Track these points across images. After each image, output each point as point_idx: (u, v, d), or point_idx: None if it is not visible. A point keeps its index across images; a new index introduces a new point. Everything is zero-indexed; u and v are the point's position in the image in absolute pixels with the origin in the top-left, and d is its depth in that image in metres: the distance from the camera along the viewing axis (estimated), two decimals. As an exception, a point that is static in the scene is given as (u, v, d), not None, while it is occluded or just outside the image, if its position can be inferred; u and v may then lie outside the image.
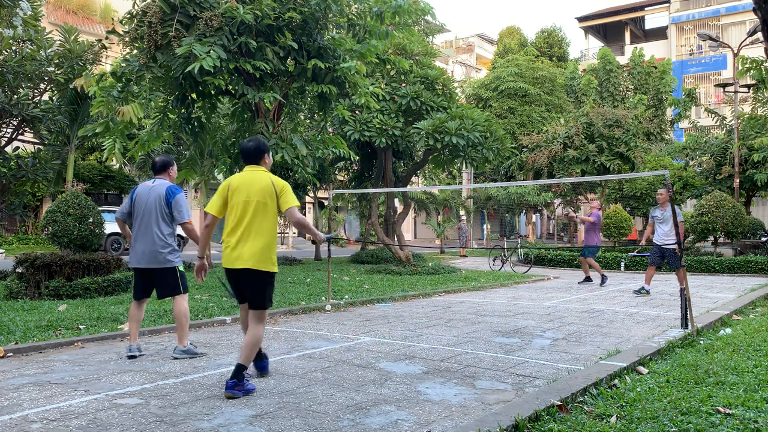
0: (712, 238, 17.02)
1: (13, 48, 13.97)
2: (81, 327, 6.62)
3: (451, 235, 38.98)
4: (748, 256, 15.29)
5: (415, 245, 24.08)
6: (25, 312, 7.49)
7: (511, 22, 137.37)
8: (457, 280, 13.08)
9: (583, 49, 47.50)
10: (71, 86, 13.86)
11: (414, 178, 30.92)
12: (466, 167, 18.59)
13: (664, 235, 10.01)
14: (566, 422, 3.47)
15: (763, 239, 18.87)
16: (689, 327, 6.44)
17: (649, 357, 5.13)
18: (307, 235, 4.68)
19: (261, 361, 4.71)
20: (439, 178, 32.57)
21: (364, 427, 3.52)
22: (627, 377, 4.51)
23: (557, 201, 33.35)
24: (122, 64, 8.42)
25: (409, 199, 20.35)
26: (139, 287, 5.47)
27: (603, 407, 3.76)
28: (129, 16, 8.32)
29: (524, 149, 22.11)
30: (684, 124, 29.63)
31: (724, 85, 19.11)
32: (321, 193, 24.55)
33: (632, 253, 16.52)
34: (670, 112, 33.47)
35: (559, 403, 3.72)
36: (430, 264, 16.24)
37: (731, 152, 18.65)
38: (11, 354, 5.50)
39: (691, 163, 21.66)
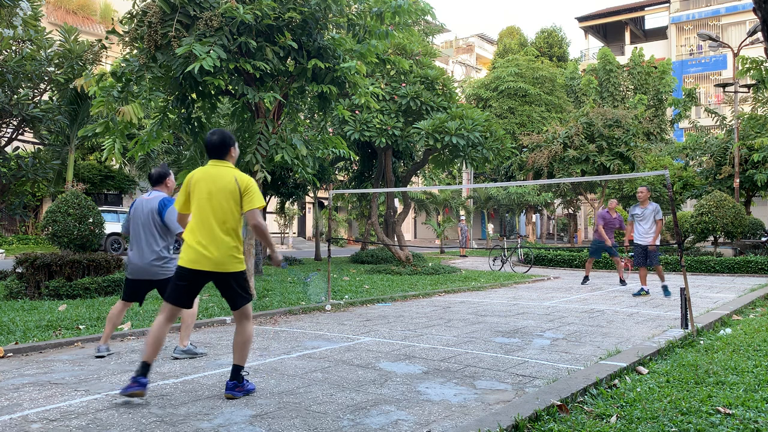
0: (712, 238, 17.02)
1: (13, 48, 13.96)
2: (81, 327, 6.62)
3: (451, 235, 38.99)
4: (748, 256, 15.29)
5: (415, 245, 24.08)
6: (25, 312, 7.49)
7: (511, 22, 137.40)
8: (457, 280, 13.08)
9: (583, 49, 47.50)
10: (71, 86, 13.85)
11: (414, 178, 30.94)
12: (466, 167, 18.57)
13: (644, 233, 10.02)
14: (566, 422, 3.47)
15: (763, 239, 18.87)
16: (689, 327, 6.44)
17: (649, 357, 5.13)
18: (270, 250, 4.44)
19: (144, 377, 3.99)
20: (439, 178, 32.56)
21: (364, 427, 3.52)
22: (627, 377, 4.51)
23: (557, 201, 33.34)
24: (122, 64, 8.41)
25: (409, 199, 20.34)
26: (128, 292, 5.50)
27: (603, 407, 3.76)
28: (129, 16, 8.31)
29: (524, 149, 22.10)
30: (684, 124, 29.65)
31: (724, 85, 19.11)
32: (321, 193, 24.54)
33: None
34: (670, 112, 33.48)
35: (559, 403, 3.72)
36: (430, 264, 16.25)
37: (731, 152, 18.65)
38: (11, 354, 5.50)
39: (691, 163, 21.66)
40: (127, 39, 8.26)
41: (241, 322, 4.22)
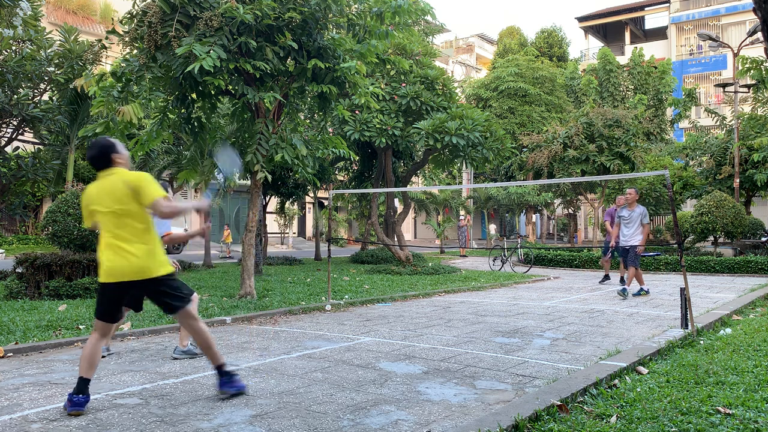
0: (712, 238, 17.02)
1: (13, 48, 13.96)
2: (81, 327, 6.63)
3: (452, 235, 38.99)
4: (748, 256, 15.29)
5: (415, 245, 24.08)
6: (25, 312, 7.49)
7: (511, 22, 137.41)
8: (457, 280, 13.08)
9: (583, 49, 47.49)
10: (71, 86, 13.86)
11: (414, 178, 30.94)
12: (466, 167, 18.58)
13: (629, 236, 9.91)
14: (566, 422, 3.47)
15: (763, 239, 18.87)
16: (689, 327, 6.44)
17: (649, 357, 5.13)
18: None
19: (83, 395, 3.81)
20: (439, 178, 32.55)
21: (364, 427, 3.52)
22: (627, 377, 4.51)
23: (557, 201, 33.35)
24: (122, 64, 8.41)
25: (409, 199, 20.35)
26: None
27: (603, 407, 3.76)
28: (129, 16, 8.32)
29: (524, 149, 22.09)
30: (684, 124, 29.63)
31: (724, 85, 19.11)
32: (321, 193, 24.54)
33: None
34: (670, 112, 33.46)
35: (559, 403, 3.72)
36: (430, 264, 16.25)
37: (731, 152, 18.65)
38: (11, 354, 5.50)
39: (691, 163, 21.66)
40: (127, 39, 8.26)
41: (188, 324, 4.10)
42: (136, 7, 8.24)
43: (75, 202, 9.69)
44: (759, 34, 13.69)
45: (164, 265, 3.98)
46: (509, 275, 14.56)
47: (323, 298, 9.36)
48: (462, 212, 32.53)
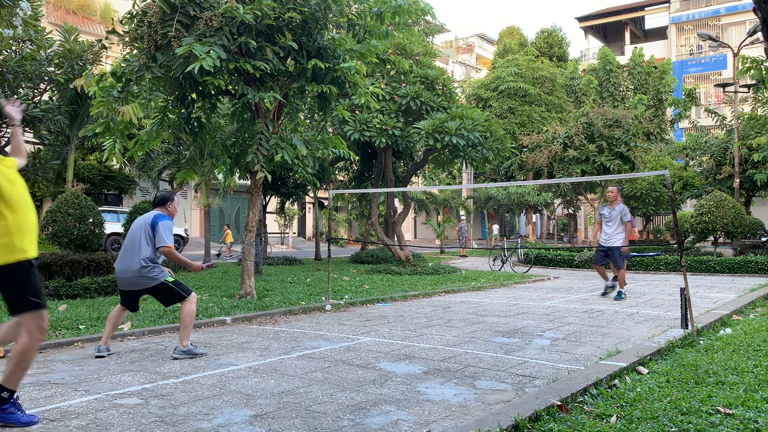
0: (712, 238, 17.02)
1: (13, 48, 13.96)
2: (81, 327, 6.63)
3: (452, 234, 38.99)
4: (748, 256, 15.29)
5: (415, 245, 24.08)
6: (25, 312, 7.48)
7: (511, 22, 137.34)
8: (457, 280, 13.08)
9: (583, 49, 47.49)
10: (71, 86, 13.85)
11: (414, 178, 30.93)
12: (466, 167, 18.58)
13: (611, 235, 9.83)
14: (566, 422, 3.47)
15: (763, 239, 18.87)
16: (689, 327, 6.44)
17: (649, 357, 5.13)
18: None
19: (12, 414, 3.50)
20: (439, 178, 32.55)
21: (364, 427, 3.52)
22: (627, 377, 4.51)
23: (557, 201, 33.35)
24: (122, 64, 8.41)
25: (409, 199, 20.35)
26: (122, 299, 5.66)
27: (603, 407, 3.76)
28: (129, 16, 8.32)
29: (524, 149, 22.09)
30: (684, 124, 29.64)
31: (724, 85, 19.11)
32: (321, 193, 24.54)
33: (631, 254, 16.49)
34: (670, 112, 33.47)
35: (559, 403, 3.72)
36: (430, 264, 16.25)
37: (731, 152, 18.65)
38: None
39: (691, 163, 21.66)
40: (127, 39, 8.26)
41: (18, 330, 3.61)
42: (136, 7, 8.24)
43: (75, 202, 9.69)
44: (759, 34, 13.69)
45: (13, 252, 3.46)
46: (509, 275, 14.56)
47: (323, 298, 9.37)
48: (462, 212, 32.54)
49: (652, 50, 38.97)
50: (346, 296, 9.70)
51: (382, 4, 8.89)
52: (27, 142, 16.94)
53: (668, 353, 5.42)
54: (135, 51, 8.45)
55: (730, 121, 21.41)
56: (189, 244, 24.83)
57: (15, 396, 3.55)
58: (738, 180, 17.96)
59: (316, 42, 8.54)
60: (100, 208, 10.89)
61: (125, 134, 9.24)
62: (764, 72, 12.97)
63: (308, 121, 13.63)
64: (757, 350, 5.37)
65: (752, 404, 3.76)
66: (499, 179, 28.62)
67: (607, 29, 47.67)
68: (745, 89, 19.11)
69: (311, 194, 20.58)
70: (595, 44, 47.01)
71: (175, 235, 5.75)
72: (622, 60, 37.24)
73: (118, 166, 25.39)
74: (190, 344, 5.48)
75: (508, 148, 15.92)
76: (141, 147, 9.47)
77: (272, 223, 30.84)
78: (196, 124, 9.52)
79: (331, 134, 11.99)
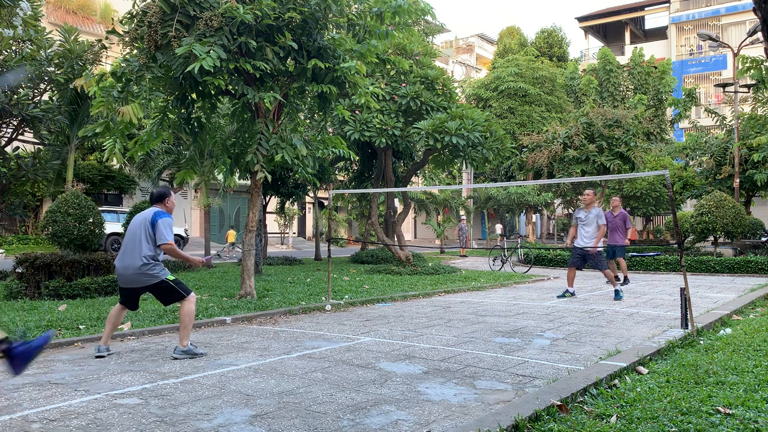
0: (712, 238, 17.01)
1: (13, 48, 13.97)
2: (81, 327, 6.63)
3: (453, 235, 38.99)
4: (748, 256, 15.29)
5: (415, 245, 24.08)
6: (25, 312, 7.49)
7: (511, 22, 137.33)
8: (457, 280, 13.08)
9: (583, 49, 47.51)
10: (71, 86, 13.85)
11: (414, 178, 30.94)
12: (466, 167, 18.57)
13: (588, 237, 9.82)
14: (566, 422, 3.47)
15: (763, 239, 18.87)
16: (689, 327, 6.44)
17: (649, 357, 5.13)
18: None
19: None
20: (439, 178, 32.55)
21: (364, 427, 3.52)
22: (627, 377, 4.51)
23: (557, 201, 33.36)
24: (122, 64, 8.40)
25: (409, 199, 20.34)
26: (121, 297, 5.65)
27: (603, 407, 3.76)
28: (129, 16, 8.31)
29: (524, 149, 22.10)
30: (684, 124, 29.64)
31: (724, 85, 19.11)
32: (321, 193, 24.54)
33: (631, 254, 16.52)
34: (670, 112, 33.48)
35: (559, 403, 3.72)
36: (430, 264, 16.25)
37: (731, 152, 18.65)
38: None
39: (691, 163, 21.65)
40: (127, 39, 8.26)
41: None
42: (136, 7, 8.24)
43: (75, 202, 9.69)
44: (759, 34, 13.69)
45: None
46: (509, 275, 14.56)
47: (323, 298, 9.37)
48: (462, 212, 32.53)
49: (652, 50, 38.98)
50: (346, 296, 9.70)
51: (382, 4, 8.89)
52: (27, 142, 17.00)
53: (668, 353, 5.42)
54: (135, 51, 8.44)
55: (730, 121, 21.41)
56: (189, 244, 24.83)
57: None
58: (738, 180, 17.96)
59: (316, 42, 8.54)
60: (100, 208, 10.89)
61: (125, 134, 9.23)
62: (764, 72, 12.97)
63: (308, 121, 13.63)
64: (757, 350, 5.37)
65: (752, 404, 3.76)
66: (499, 179, 28.62)
67: (607, 29, 47.68)
68: (745, 89, 19.10)
69: (311, 194, 20.58)
70: (595, 44, 47.04)
71: (175, 235, 5.75)
72: (622, 60, 37.25)
73: (118, 166, 25.41)
74: (190, 344, 5.48)
75: (508, 148, 15.92)
76: (141, 147, 9.46)
77: (272, 223, 30.83)
78: (196, 124, 9.52)
79: (331, 134, 11.99)
